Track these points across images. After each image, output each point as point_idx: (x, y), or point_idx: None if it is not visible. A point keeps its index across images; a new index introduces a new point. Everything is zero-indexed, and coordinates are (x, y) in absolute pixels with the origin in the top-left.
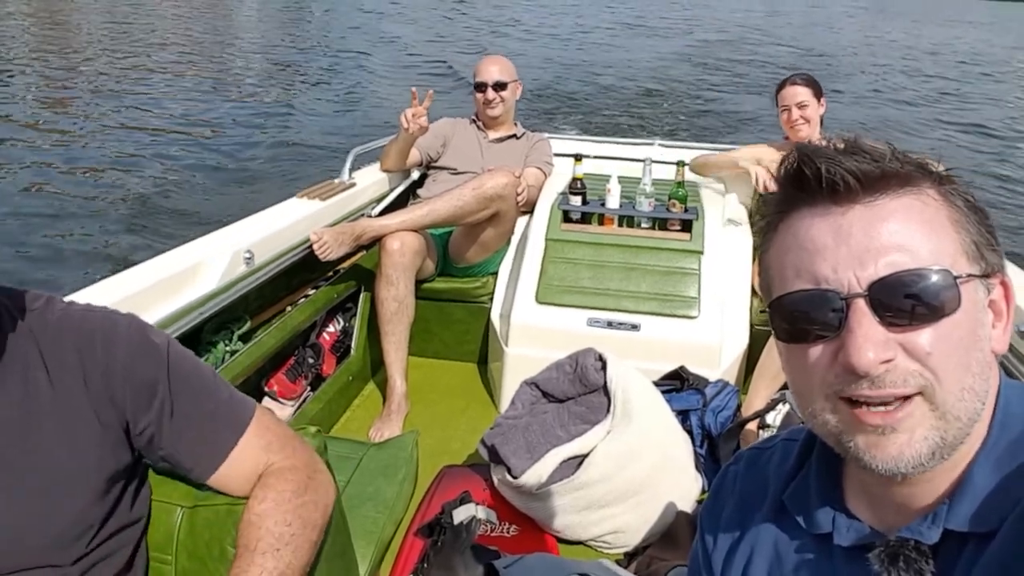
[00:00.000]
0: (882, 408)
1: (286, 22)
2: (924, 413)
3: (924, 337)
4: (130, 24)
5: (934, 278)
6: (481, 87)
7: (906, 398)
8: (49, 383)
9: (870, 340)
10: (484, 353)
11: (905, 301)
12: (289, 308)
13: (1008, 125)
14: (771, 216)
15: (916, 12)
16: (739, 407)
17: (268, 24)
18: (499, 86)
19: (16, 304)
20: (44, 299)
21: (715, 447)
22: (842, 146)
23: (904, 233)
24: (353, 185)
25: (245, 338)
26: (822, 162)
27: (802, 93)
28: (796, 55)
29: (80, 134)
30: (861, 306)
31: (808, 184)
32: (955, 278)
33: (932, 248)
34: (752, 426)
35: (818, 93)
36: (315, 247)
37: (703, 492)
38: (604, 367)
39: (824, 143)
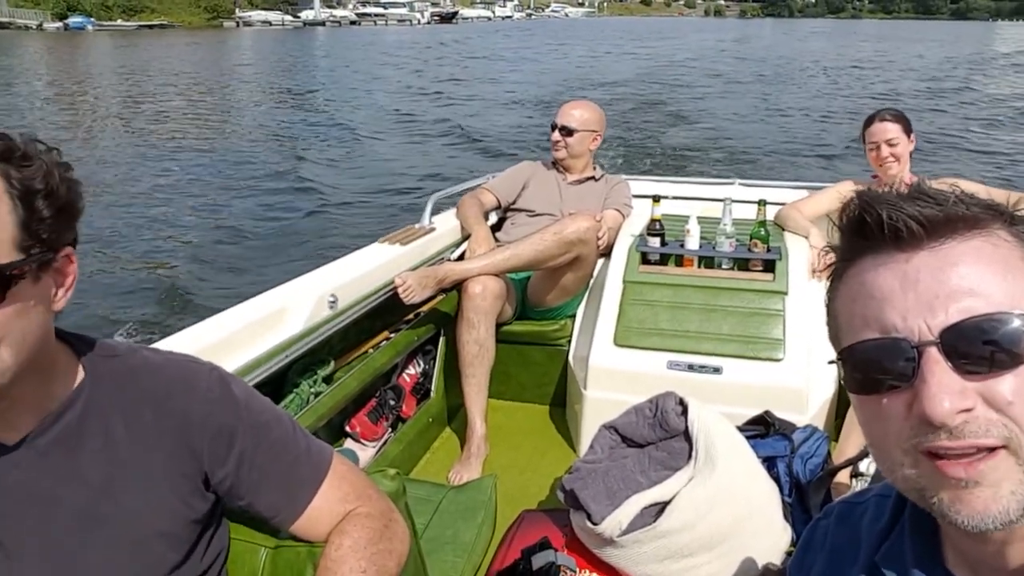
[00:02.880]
0: (964, 459)
1: (364, 75)
2: (1010, 467)
3: (1005, 385)
4: (207, 80)
5: (1015, 323)
6: (552, 127)
7: (990, 450)
8: (127, 433)
9: (945, 389)
10: (562, 396)
11: (983, 348)
12: (371, 350)
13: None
14: (836, 264)
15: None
16: (829, 454)
17: (343, 78)
18: (565, 131)
19: (99, 353)
20: (125, 348)
21: (804, 496)
22: (904, 191)
23: (975, 277)
24: (433, 230)
25: (329, 380)
26: (883, 209)
27: (892, 129)
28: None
29: (169, 186)
30: (934, 354)
31: (870, 232)
32: None
33: (1008, 291)
34: (844, 475)
35: (907, 129)
36: (399, 290)
37: (792, 543)
38: (685, 411)
39: (887, 188)
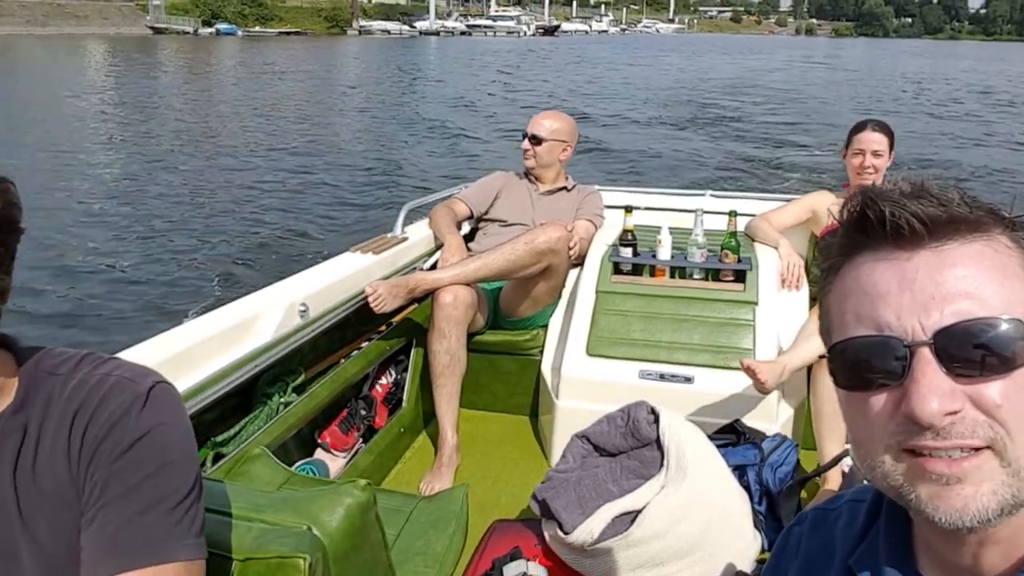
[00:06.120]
0: (947, 456)
1: (339, 85)
2: (994, 468)
3: (994, 389)
4: (199, 93)
5: (1005, 327)
6: (523, 136)
7: (975, 450)
8: (47, 457)
9: (934, 390)
10: (535, 406)
11: (974, 351)
12: (342, 360)
13: None
14: (833, 259)
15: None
16: (798, 462)
17: (318, 89)
18: (534, 139)
19: (43, 369)
20: (74, 362)
21: (774, 504)
22: (908, 189)
23: (973, 280)
24: (405, 239)
25: (299, 390)
26: (886, 205)
27: (879, 141)
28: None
29: (141, 193)
30: (926, 355)
31: (872, 228)
32: None
33: (1004, 296)
34: (833, 484)
35: (892, 144)
36: (370, 299)
37: (763, 551)
38: (656, 420)
39: (890, 184)
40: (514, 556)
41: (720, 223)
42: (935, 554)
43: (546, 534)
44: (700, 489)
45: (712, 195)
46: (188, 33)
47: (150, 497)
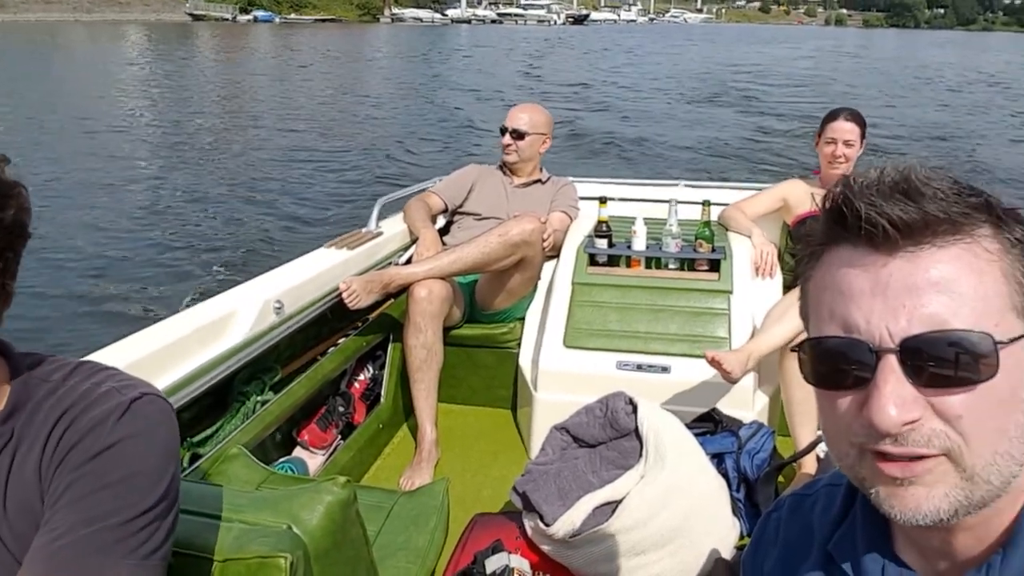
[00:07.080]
0: (903, 461)
1: (365, 73)
2: (947, 471)
3: (956, 399)
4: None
5: (972, 339)
6: (502, 131)
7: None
8: (12, 461)
9: (894, 399)
10: (513, 399)
11: (942, 362)
12: (319, 357)
13: None
14: (815, 246)
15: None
16: (775, 449)
17: (343, 79)
18: (516, 134)
19: (36, 376)
20: (68, 370)
21: (752, 491)
22: (891, 180)
23: (945, 288)
24: (380, 234)
25: (276, 388)
26: (862, 205)
27: (851, 130)
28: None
29: (106, 187)
30: (891, 362)
31: (848, 225)
32: (996, 343)
33: (975, 306)
34: (809, 469)
35: (863, 134)
36: (344, 296)
37: (742, 538)
38: (635, 410)
39: (875, 174)
40: (495, 549)
41: (694, 213)
42: (910, 538)
43: (527, 526)
44: (679, 478)
45: (686, 185)
46: (226, 19)
47: (101, 509)
